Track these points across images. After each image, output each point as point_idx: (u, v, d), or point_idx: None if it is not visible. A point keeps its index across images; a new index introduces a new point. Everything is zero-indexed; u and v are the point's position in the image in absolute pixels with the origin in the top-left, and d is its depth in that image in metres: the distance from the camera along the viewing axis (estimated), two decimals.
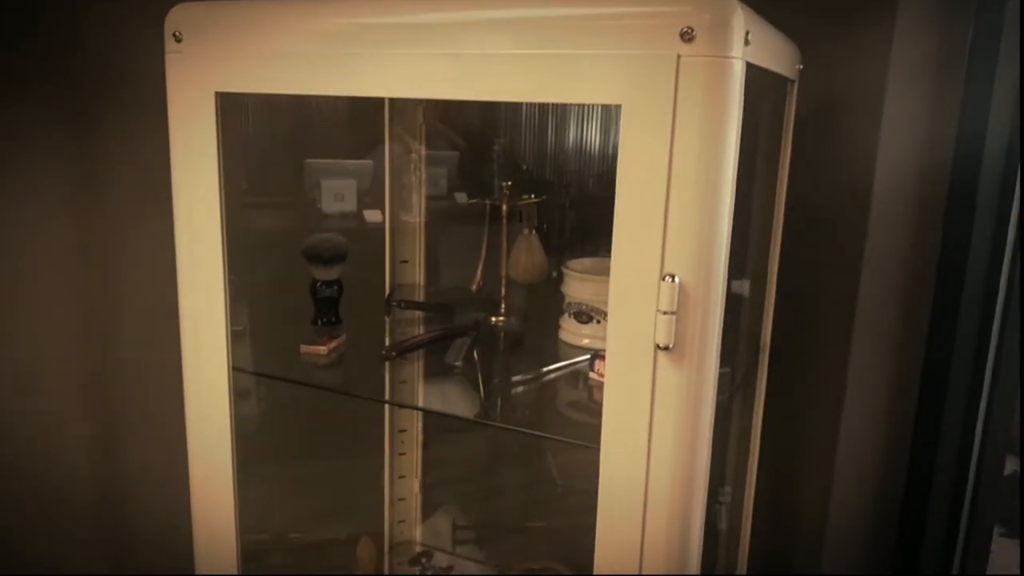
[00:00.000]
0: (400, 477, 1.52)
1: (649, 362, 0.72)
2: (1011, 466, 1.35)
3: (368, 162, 1.40)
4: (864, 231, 1.13)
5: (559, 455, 1.56)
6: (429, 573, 1.43)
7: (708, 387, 0.74)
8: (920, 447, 1.14)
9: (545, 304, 1.24)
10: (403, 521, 1.54)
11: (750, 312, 1.15)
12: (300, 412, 1.38)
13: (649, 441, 0.75)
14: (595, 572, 0.84)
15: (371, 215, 1.43)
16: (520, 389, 1.01)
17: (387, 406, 1.46)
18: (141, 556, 1.53)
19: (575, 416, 0.98)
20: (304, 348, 1.05)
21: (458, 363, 1.01)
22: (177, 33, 0.88)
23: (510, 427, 1.12)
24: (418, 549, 1.52)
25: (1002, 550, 1.28)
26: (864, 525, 1.24)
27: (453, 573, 1.44)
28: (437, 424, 1.53)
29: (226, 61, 0.87)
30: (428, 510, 1.56)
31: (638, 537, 0.80)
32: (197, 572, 1.07)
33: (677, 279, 0.70)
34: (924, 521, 1.15)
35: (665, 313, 0.70)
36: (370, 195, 1.40)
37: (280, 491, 1.39)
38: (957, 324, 1.08)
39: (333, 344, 1.06)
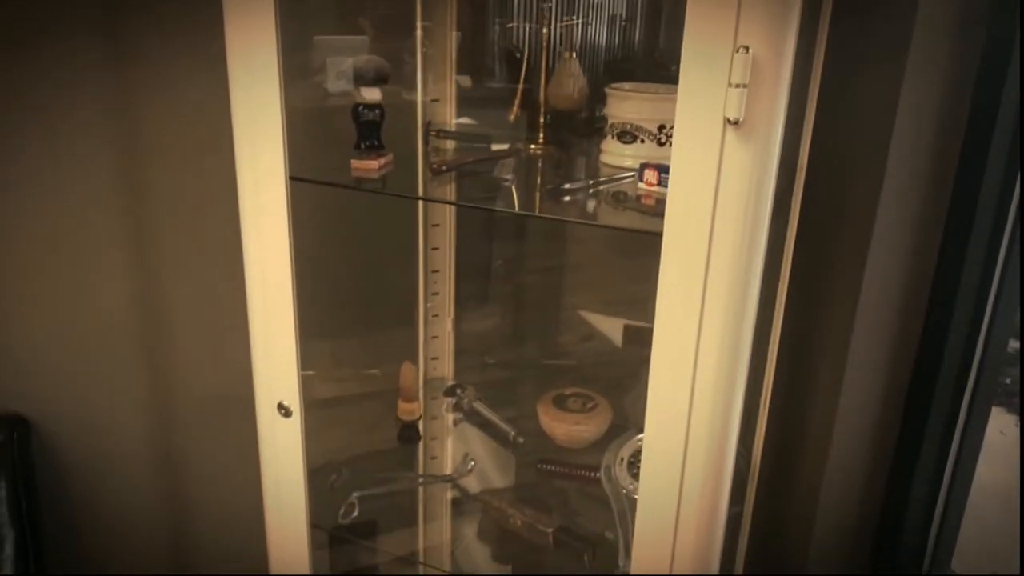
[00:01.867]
0: (434, 316, 1.57)
1: (717, 138, 0.74)
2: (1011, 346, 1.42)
3: (363, 38, 1.37)
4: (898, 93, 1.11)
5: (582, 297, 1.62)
6: (464, 401, 1.50)
7: (772, 164, 0.76)
8: (934, 321, 1.18)
9: (583, 131, 1.25)
10: (436, 358, 1.60)
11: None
12: (341, 247, 1.42)
13: (712, 220, 0.78)
14: (651, 363, 0.89)
15: (369, 93, 1.41)
16: (568, 198, 1.03)
17: (421, 247, 1.50)
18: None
19: (627, 215, 1.01)
20: (355, 163, 1.06)
21: (508, 176, 1.03)
22: None
23: (567, 219, 1.14)
24: (450, 383, 1.58)
25: (996, 419, 1.37)
26: (879, 385, 1.28)
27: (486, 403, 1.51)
28: (468, 268, 1.57)
29: None
30: (459, 348, 1.62)
31: (696, 325, 0.84)
32: (258, 406, 1.13)
33: (751, 51, 0.71)
34: (934, 385, 1.21)
35: (737, 86, 0.72)
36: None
37: (325, 325, 1.43)
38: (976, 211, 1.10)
39: (382, 161, 1.08)
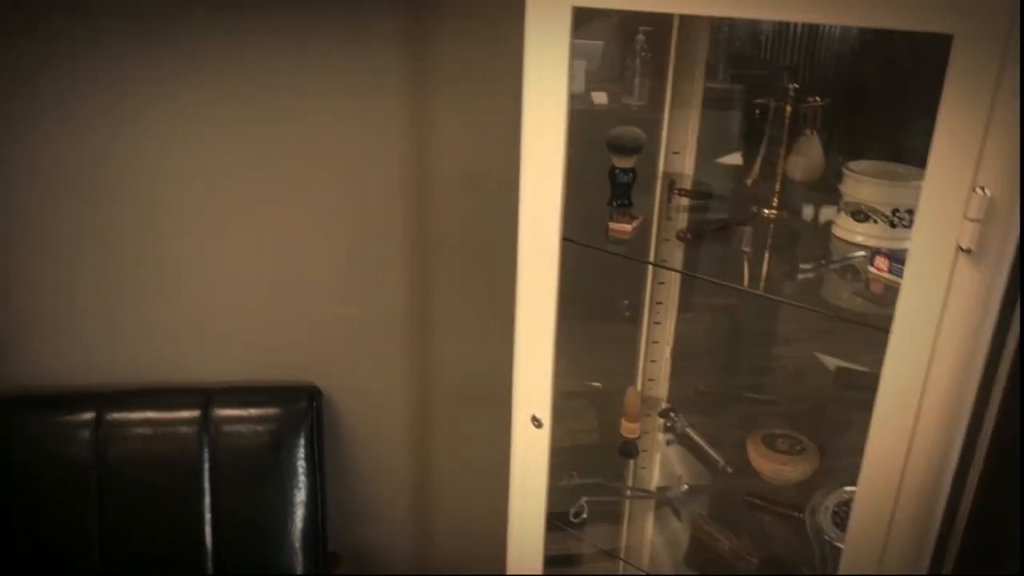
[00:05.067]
0: (654, 343, 1.75)
1: (949, 262, 0.85)
2: None
3: (599, 43, 1.53)
4: None
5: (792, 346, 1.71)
6: (678, 426, 1.66)
7: (1000, 287, 0.86)
8: None
9: (815, 202, 1.36)
10: (653, 380, 1.78)
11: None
12: (586, 283, 1.63)
13: (937, 332, 0.88)
14: (871, 425, 0.99)
15: (598, 97, 1.57)
16: (802, 276, 1.16)
17: (650, 281, 1.67)
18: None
19: (854, 302, 1.12)
20: (612, 226, 1.26)
21: (747, 248, 1.17)
22: None
23: (797, 303, 1.26)
24: (664, 405, 1.75)
25: None
26: None
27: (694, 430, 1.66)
28: (687, 305, 1.73)
29: None
30: (675, 374, 1.78)
31: (911, 424, 0.94)
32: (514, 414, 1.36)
33: (988, 191, 0.81)
34: None
35: (972, 220, 0.82)
36: (596, 76, 1.53)
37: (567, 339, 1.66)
38: None
39: (635, 224, 1.26)
